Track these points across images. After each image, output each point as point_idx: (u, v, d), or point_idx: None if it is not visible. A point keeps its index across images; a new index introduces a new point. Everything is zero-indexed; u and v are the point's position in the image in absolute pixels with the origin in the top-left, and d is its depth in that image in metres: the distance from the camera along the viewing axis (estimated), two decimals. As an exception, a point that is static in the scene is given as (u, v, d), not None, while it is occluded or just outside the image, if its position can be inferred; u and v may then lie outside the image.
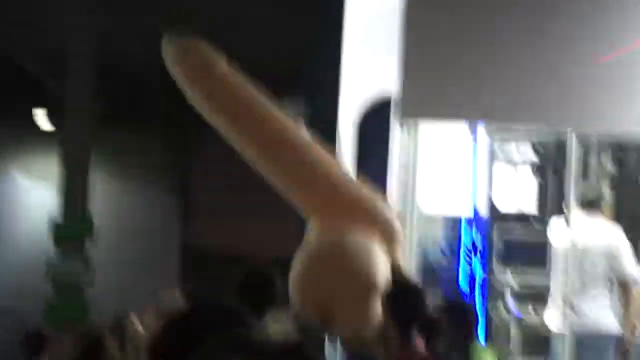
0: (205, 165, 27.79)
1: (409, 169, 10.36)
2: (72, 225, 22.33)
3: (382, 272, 9.04)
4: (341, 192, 9.99)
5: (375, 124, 10.83)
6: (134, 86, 26.66)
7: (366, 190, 11.37)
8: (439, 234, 10.99)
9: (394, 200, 10.73)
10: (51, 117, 27.41)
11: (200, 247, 26.05)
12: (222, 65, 12.75)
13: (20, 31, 23.79)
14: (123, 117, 26.83)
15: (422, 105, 10.19)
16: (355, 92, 11.20)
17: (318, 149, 11.60)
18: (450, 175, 10.82)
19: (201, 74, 12.53)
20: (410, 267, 10.28)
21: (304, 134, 11.92)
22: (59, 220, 22.54)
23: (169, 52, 13.47)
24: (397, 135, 10.76)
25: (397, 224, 9.59)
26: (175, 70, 12.70)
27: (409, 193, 10.33)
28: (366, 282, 10.35)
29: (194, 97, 12.26)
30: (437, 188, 10.66)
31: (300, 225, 9.15)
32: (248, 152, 9.92)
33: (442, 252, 10.96)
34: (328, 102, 10.56)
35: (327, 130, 10.44)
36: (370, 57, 10.90)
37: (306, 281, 9.31)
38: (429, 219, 10.68)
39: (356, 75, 10.73)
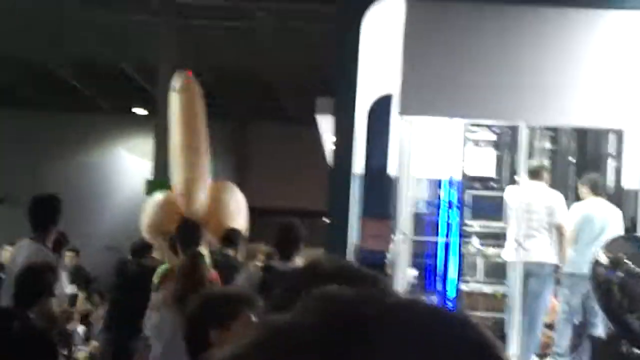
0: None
1: (405, 146, 10.23)
2: (160, 183, 22.40)
3: None
4: None
5: (381, 113, 10.70)
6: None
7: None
8: (426, 192, 10.80)
9: (394, 167, 10.61)
10: (146, 109, 27.41)
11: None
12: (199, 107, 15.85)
13: (128, 48, 23.69)
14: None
15: (415, 104, 9.99)
16: (367, 91, 11.04)
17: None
18: (434, 149, 10.63)
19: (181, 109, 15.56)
20: (406, 215, 10.15)
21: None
22: (152, 180, 22.60)
23: (173, 83, 16.11)
24: (396, 122, 10.66)
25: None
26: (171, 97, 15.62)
27: (405, 162, 10.20)
28: None
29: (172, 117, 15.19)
30: (425, 159, 10.48)
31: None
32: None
33: (428, 205, 10.76)
34: (349, 100, 10.28)
35: (347, 118, 10.28)
36: (378, 66, 10.74)
37: None
38: (419, 181, 10.51)
39: (368, 79, 10.49)
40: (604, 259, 8.37)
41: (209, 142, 15.98)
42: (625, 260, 8.45)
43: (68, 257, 15.58)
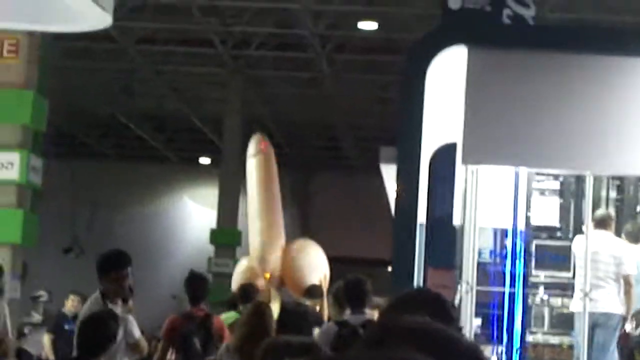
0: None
1: (469, 195, 10.17)
2: (226, 233, 22.56)
3: None
4: None
5: (445, 161, 10.66)
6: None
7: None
8: (491, 242, 10.69)
9: (458, 216, 10.55)
10: (212, 160, 27.64)
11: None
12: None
13: (195, 99, 24.00)
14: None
15: (478, 153, 9.95)
16: (432, 139, 11.03)
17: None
18: (498, 198, 10.53)
19: (258, 170, 16.60)
20: (470, 266, 10.07)
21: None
22: (217, 230, 22.75)
23: (250, 144, 17.15)
24: (460, 171, 10.63)
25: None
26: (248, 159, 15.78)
27: (470, 211, 10.14)
28: None
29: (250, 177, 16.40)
30: (490, 208, 10.39)
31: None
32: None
33: (493, 255, 10.65)
34: (413, 149, 10.26)
35: (411, 167, 10.26)
36: (441, 117, 10.74)
37: None
38: (483, 230, 10.42)
39: (432, 127, 10.48)
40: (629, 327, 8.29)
41: (281, 202, 17.16)
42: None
43: (71, 300, 14.77)
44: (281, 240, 16.74)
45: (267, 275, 15.95)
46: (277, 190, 17.04)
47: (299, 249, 16.70)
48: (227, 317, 10.74)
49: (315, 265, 15.91)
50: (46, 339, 14.05)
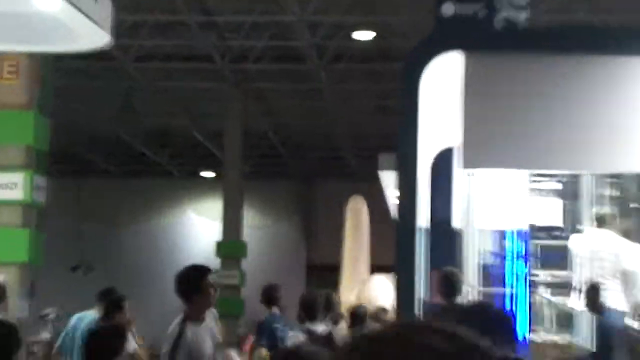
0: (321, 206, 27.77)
1: (469, 198, 10.24)
2: (231, 245, 22.59)
3: None
4: None
5: (443, 166, 10.71)
6: (268, 153, 26.76)
7: None
8: (491, 244, 10.76)
9: (457, 220, 10.61)
10: (214, 173, 27.72)
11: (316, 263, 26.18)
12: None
13: (196, 113, 24.08)
14: (263, 173, 27.00)
15: (478, 157, 10.00)
16: (429, 145, 11.08)
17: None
18: (498, 200, 10.60)
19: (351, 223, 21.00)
20: (472, 268, 10.14)
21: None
22: (223, 242, 22.78)
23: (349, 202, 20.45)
24: (459, 175, 10.69)
25: None
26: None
27: (469, 214, 10.22)
28: None
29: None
30: (490, 209, 10.46)
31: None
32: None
33: (494, 256, 10.72)
34: (411, 155, 10.29)
35: (410, 173, 10.31)
36: (439, 120, 10.80)
37: None
38: (485, 232, 10.49)
39: (429, 133, 10.53)
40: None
41: (369, 249, 21.03)
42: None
43: None
44: (363, 275, 21.09)
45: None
46: (366, 236, 21.48)
47: (371, 283, 20.19)
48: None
49: (385, 296, 18.28)
50: None
